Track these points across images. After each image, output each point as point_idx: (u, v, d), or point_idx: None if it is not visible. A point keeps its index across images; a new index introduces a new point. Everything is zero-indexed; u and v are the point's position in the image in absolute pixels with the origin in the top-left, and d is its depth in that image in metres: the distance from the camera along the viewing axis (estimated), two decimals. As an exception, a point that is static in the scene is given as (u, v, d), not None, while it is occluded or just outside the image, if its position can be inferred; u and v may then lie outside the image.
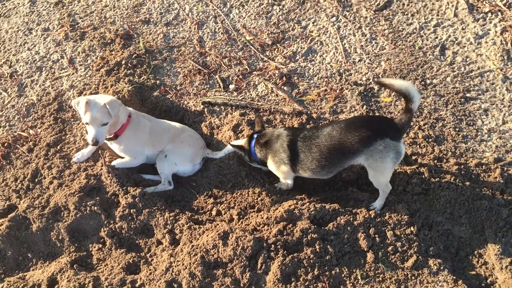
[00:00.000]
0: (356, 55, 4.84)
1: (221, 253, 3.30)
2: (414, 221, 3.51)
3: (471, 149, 4.05)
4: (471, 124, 4.21)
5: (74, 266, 3.47)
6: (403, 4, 5.18)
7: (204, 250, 3.33)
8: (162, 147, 4.12)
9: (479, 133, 4.15)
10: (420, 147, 4.08)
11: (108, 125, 3.76)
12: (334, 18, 5.17)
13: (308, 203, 3.61)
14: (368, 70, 4.68)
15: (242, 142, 3.98)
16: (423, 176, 3.79)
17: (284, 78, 4.71)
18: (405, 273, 3.25)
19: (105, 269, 3.46)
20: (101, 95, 3.92)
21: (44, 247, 3.70)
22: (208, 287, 3.20)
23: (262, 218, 3.60)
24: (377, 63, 4.72)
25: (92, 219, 3.73)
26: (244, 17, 5.33)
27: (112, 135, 3.93)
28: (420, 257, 3.30)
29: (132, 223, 3.68)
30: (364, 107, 4.39)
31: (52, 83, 4.96)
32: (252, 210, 3.82)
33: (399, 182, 3.79)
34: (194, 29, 5.29)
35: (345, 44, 4.94)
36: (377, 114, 4.35)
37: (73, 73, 5.01)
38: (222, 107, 4.57)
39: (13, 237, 3.69)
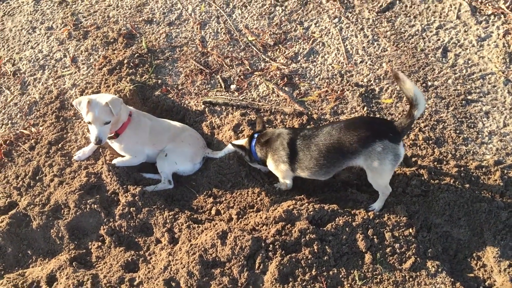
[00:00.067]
0: (357, 56, 4.84)
1: (219, 253, 3.31)
2: (413, 222, 3.51)
3: (471, 152, 4.04)
4: (472, 126, 4.20)
5: (73, 263, 3.49)
6: (406, 6, 5.17)
7: (203, 249, 3.34)
8: (163, 146, 4.14)
9: (480, 135, 4.14)
10: (420, 149, 4.07)
11: (110, 124, 3.78)
12: (336, 19, 5.17)
13: (307, 204, 3.61)
14: (370, 72, 4.68)
15: (242, 142, 3.99)
16: (423, 178, 3.79)
17: (285, 79, 4.71)
18: (403, 274, 3.25)
19: (104, 267, 3.48)
20: (102, 94, 3.94)
21: (44, 244, 3.72)
22: (206, 286, 3.21)
23: (261, 218, 3.60)
24: (379, 65, 4.72)
25: (92, 217, 3.75)
26: (247, 18, 5.34)
27: (113, 134, 3.94)
28: (418, 258, 3.30)
29: (132, 221, 3.70)
30: (365, 108, 4.39)
31: (55, 81, 4.99)
32: (251, 210, 3.83)
33: (398, 184, 3.78)
34: (197, 29, 5.31)
35: (347, 45, 4.95)
36: (377, 115, 4.35)
37: (75, 72, 5.03)
38: (223, 107, 4.59)
39: (13, 234, 3.72)
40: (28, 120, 4.69)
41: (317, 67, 4.81)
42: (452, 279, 3.20)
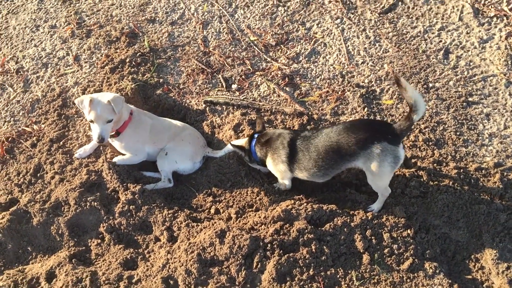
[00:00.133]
0: (359, 57, 4.84)
1: (218, 251, 3.32)
2: (411, 223, 3.51)
3: (471, 154, 4.04)
4: (472, 128, 4.20)
5: (73, 260, 3.51)
6: (408, 8, 5.17)
7: (201, 247, 3.36)
8: (163, 144, 4.15)
9: (480, 137, 4.13)
10: (420, 150, 4.07)
11: (112, 122, 3.80)
12: (338, 20, 5.17)
13: (305, 204, 3.62)
14: (371, 73, 4.68)
15: (242, 141, 4.00)
16: (422, 179, 3.79)
17: (286, 79, 4.72)
18: (401, 275, 3.25)
19: (103, 264, 3.50)
20: (104, 93, 3.96)
21: (44, 241, 3.75)
22: (203, 285, 3.22)
23: (259, 217, 3.62)
24: (380, 66, 4.72)
25: (92, 215, 3.77)
26: (249, 18, 5.35)
27: (114, 132, 3.96)
28: (416, 260, 3.30)
29: (131, 219, 3.72)
30: (366, 109, 4.39)
31: (57, 79, 5.02)
32: (250, 209, 3.84)
33: (397, 185, 3.78)
34: (199, 28, 5.33)
35: (348, 46, 4.95)
36: (378, 116, 4.35)
37: (78, 70, 5.06)
38: (224, 106, 4.60)
39: (14, 231, 3.74)
40: (30, 118, 4.72)
41: (319, 68, 4.81)
42: (450, 281, 3.19)
